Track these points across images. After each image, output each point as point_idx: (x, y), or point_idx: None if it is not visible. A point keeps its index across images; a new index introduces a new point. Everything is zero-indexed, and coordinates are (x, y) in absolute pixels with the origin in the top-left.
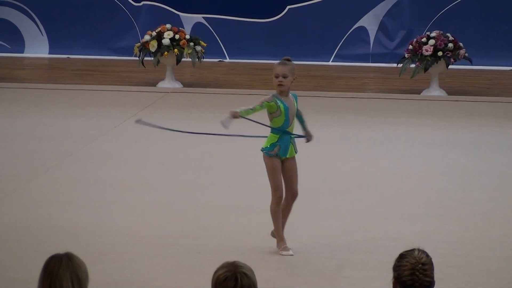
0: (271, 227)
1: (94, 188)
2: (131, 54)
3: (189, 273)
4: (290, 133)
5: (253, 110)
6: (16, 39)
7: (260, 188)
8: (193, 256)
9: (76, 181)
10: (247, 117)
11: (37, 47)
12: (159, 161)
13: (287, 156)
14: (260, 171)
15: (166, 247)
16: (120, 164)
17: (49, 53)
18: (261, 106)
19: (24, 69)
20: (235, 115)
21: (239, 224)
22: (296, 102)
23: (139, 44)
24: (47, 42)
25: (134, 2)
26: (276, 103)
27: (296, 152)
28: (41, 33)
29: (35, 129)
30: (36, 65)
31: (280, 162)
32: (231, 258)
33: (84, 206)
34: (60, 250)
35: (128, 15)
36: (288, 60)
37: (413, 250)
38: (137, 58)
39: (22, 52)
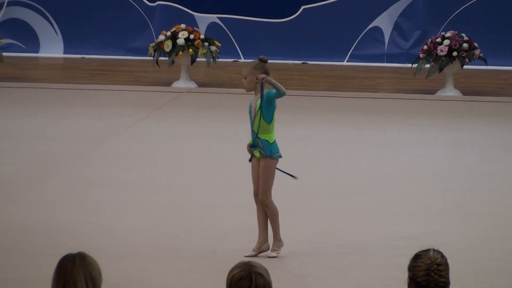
0: (284, 227)
1: (107, 189)
2: (145, 54)
3: (204, 273)
4: (278, 169)
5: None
6: (31, 39)
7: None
8: (208, 256)
9: (89, 182)
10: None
11: (52, 47)
12: (172, 161)
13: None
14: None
15: (180, 247)
16: (134, 165)
17: (64, 53)
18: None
19: (38, 69)
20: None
21: (252, 224)
22: (262, 100)
23: (153, 44)
24: (62, 42)
25: (148, 2)
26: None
27: (263, 154)
28: (56, 33)
29: (49, 129)
30: (50, 65)
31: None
32: (246, 258)
33: (96, 207)
34: (72, 250)
35: (143, 15)
36: (262, 60)
37: (428, 250)
38: (152, 58)
39: (37, 52)
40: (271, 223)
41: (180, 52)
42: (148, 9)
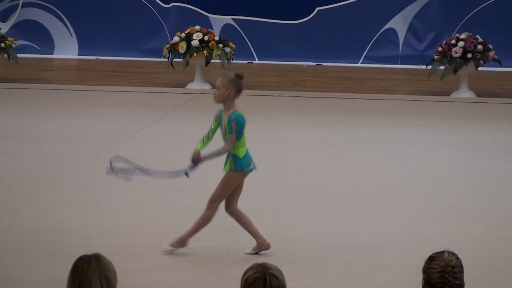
0: (297, 229)
1: (122, 190)
2: (160, 55)
3: (217, 275)
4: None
5: (212, 131)
6: (45, 41)
7: (289, 191)
8: (222, 257)
9: (104, 183)
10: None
11: (67, 48)
12: (187, 163)
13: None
14: (288, 173)
15: (195, 249)
16: (149, 166)
17: (78, 54)
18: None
19: (53, 70)
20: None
21: (269, 226)
22: (228, 122)
23: (168, 45)
24: (77, 43)
25: (163, 3)
26: (218, 116)
27: (233, 169)
28: (71, 34)
29: (64, 130)
30: (65, 66)
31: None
32: (261, 260)
33: (112, 207)
34: (89, 251)
35: (157, 16)
36: (239, 76)
37: (443, 252)
38: (166, 60)
39: (52, 54)
40: (195, 224)
41: (195, 54)
42: (163, 11)
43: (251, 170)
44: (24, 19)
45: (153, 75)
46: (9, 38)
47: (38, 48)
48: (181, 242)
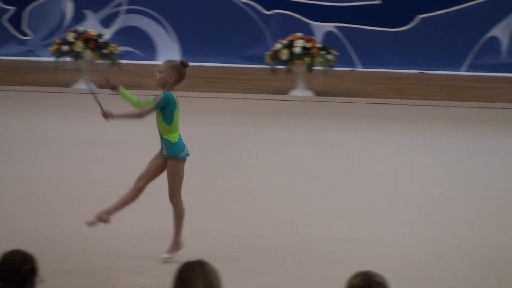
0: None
1: (222, 195)
2: (262, 62)
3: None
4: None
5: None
6: (148, 47)
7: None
8: (304, 263)
9: (207, 189)
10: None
11: (169, 55)
12: (288, 169)
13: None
14: (391, 179)
15: (284, 255)
16: (252, 172)
17: None
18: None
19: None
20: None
21: (351, 234)
22: (157, 97)
23: (270, 52)
24: (179, 49)
25: (265, 10)
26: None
27: (166, 155)
28: (173, 40)
29: None
30: None
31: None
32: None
33: (216, 213)
34: (191, 258)
35: (259, 23)
36: (184, 64)
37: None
38: (269, 66)
39: (155, 60)
40: (175, 223)
41: (297, 61)
42: (265, 18)
43: (185, 155)
44: (127, 26)
45: (255, 81)
46: (111, 45)
47: (141, 54)
48: (176, 245)
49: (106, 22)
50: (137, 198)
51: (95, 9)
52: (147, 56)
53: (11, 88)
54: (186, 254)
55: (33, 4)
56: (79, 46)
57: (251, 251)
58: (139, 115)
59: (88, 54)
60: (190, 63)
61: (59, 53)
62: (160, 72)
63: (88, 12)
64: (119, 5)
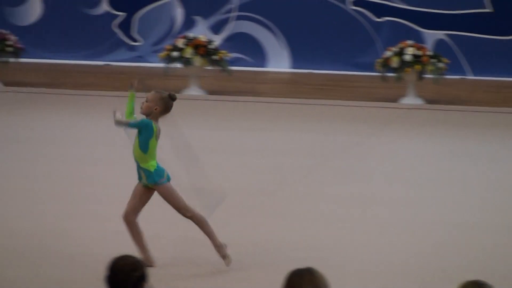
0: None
1: (331, 204)
2: (372, 69)
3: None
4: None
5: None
6: (258, 53)
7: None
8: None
9: (314, 196)
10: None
11: (279, 62)
12: (398, 178)
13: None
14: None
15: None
16: (360, 180)
17: (291, 67)
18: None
19: (266, 83)
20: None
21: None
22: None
23: (381, 59)
24: (289, 56)
25: (376, 17)
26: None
27: (147, 183)
28: (283, 47)
29: (274, 143)
30: (277, 79)
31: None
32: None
33: (319, 220)
34: (301, 265)
35: (370, 30)
36: (172, 97)
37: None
38: (379, 74)
39: (265, 67)
40: (204, 232)
41: (407, 68)
42: (375, 25)
43: (165, 181)
44: (237, 32)
45: (365, 89)
46: (221, 51)
47: (251, 61)
48: (220, 249)
49: (216, 28)
50: (139, 229)
51: (205, 15)
52: (257, 62)
53: (125, 94)
54: (296, 261)
55: (144, 10)
56: (189, 52)
57: (363, 258)
58: (116, 122)
59: (197, 60)
60: (300, 70)
61: (168, 59)
62: (147, 101)
63: (198, 19)
64: (229, 11)
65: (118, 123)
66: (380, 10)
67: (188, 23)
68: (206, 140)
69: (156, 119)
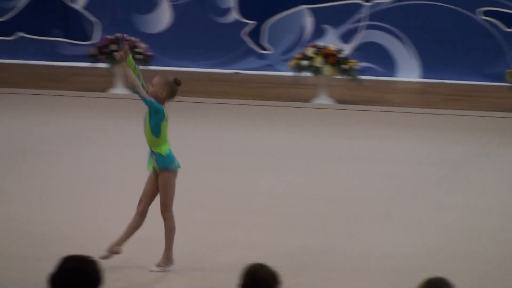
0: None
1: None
2: (502, 80)
3: None
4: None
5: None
6: (388, 63)
7: None
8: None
9: (419, 204)
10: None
11: (409, 71)
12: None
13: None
14: None
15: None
16: (494, 191)
17: (421, 77)
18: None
19: (395, 93)
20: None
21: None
22: (150, 111)
23: (511, 70)
24: (419, 66)
25: (506, 27)
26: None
27: (157, 167)
28: (413, 57)
29: (407, 152)
30: (407, 89)
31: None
32: None
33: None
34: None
35: (500, 40)
36: (176, 82)
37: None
38: (509, 84)
39: (395, 76)
40: (165, 238)
41: None
42: (506, 35)
43: (175, 168)
44: (366, 41)
45: (495, 99)
46: (351, 60)
47: (381, 70)
48: (167, 260)
49: (346, 37)
50: (142, 223)
51: (335, 24)
52: (387, 72)
53: (255, 102)
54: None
55: (273, 19)
56: (318, 61)
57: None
58: (133, 86)
59: (327, 69)
60: (430, 80)
61: (298, 68)
62: (152, 86)
63: (327, 28)
64: (359, 20)
65: (134, 88)
66: (511, 20)
67: (318, 32)
68: (338, 149)
69: (163, 104)
